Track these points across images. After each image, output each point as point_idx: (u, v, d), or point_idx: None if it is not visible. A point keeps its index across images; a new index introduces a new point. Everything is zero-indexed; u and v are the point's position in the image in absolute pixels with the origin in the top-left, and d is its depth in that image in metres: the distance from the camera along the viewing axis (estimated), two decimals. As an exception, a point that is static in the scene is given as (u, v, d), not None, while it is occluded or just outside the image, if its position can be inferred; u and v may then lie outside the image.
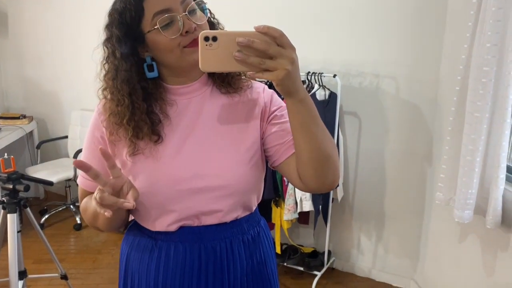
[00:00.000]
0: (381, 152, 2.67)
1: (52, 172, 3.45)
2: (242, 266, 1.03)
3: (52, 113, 4.04)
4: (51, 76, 3.93)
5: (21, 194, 1.87)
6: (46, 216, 3.59)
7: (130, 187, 0.88)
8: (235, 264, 1.02)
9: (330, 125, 2.51)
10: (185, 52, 0.91)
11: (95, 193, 0.83)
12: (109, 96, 0.95)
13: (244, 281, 1.04)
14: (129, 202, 0.83)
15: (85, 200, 1.03)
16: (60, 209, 3.75)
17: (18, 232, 1.83)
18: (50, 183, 2.08)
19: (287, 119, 0.91)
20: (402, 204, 2.68)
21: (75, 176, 3.35)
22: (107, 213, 0.81)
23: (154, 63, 0.94)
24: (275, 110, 1.01)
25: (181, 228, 0.99)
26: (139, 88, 0.93)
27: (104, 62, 0.95)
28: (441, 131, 2.37)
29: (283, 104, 1.02)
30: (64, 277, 2.07)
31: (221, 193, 0.97)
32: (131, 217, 1.08)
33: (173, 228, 0.99)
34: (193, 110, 0.99)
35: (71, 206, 3.72)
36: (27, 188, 1.80)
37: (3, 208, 1.85)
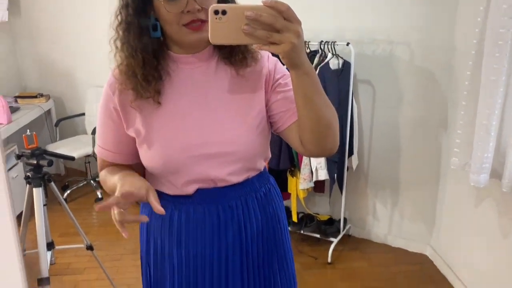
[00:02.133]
0: (395, 120, 2.66)
1: (71, 148, 3.53)
2: (257, 220, 1.10)
3: (68, 91, 4.09)
4: (66, 54, 3.96)
5: (45, 169, 1.94)
6: (68, 192, 3.70)
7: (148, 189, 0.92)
8: (251, 219, 1.09)
9: (344, 94, 2.51)
10: (183, 31, 0.93)
11: (115, 213, 0.90)
12: (120, 46, 0.98)
13: (260, 233, 1.10)
14: (146, 219, 0.94)
15: (104, 172, 1.08)
16: (81, 184, 3.86)
17: (44, 205, 1.91)
18: (71, 158, 2.14)
19: (291, 87, 0.94)
20: (417, 171, 2.69)
21: (94, 152, 3.42)
22: (125, 235, 0.91)
23: (158, 23, 0.96)
24: (279, 78, 1.04)
25: (198, 190, 1.04)
26: (149, 44, 0.96)
27: (118, 13, 0.97)
28: (456, 96, 2.35)
29: (286, 72, 1.05)
30: (89, 247, 2.15)
31: (231, 158, 1.02)
32: None
33: (190, 191, 1.04)
34: (198, 79, 1.02)
35: (92, 181, 3.82)
36: (50, 163, 1.86)
37: (29, 183, 1.92)
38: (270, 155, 1.14)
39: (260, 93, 1.04)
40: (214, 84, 1.02)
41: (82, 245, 2.17)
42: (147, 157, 1.02)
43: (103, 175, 1.08)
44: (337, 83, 2.49)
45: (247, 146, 1.02)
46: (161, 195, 1.08)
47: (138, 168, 1.09)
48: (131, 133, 1.02)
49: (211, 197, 1.05)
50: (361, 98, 2.73)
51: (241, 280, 1.09)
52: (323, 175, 2.55)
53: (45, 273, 1.85)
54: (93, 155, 3.55)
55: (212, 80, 1.02)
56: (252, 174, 1.09)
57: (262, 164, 1.12)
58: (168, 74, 1.00)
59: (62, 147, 3.58)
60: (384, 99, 2.67)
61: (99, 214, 3.50)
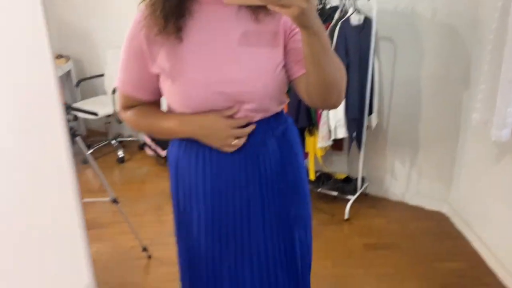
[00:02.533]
0: (416, 77, 2.63)
1: (92, 108, 3.59)
2: (276, 157, 1.17)
3: (87, 52, 4.12)
4: (85, 15, 3.97)
5: (70, 124, 1.99)
6: (90, 152, 3.79)
7: None
8: (269, 156, 1.15)
9: (364, 51, 2.48)
10: None
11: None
12: None
13: (278, 169, 1.17)
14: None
15: (133, 114, 1.16)
16: (102, 144, 3.94)
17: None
18: (95, 114, 2.19)
19: None
20: (436, 129, 2.68)
21: (115, 112, 3.47)
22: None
23: None
24: (295, 28, 1.08)
25: None
26: None
27: None
28: (480, 51, 2.31)
29: None
30: (114, 201, 2.23)
31: (248, 97, 1.07)
32: None
33: None
34: (220, 20, 1.05)
35: (113, 141, 3.89)
36: (75, 118, 1.90)
37: (56, 137, 1.97)
38: (286, 100, 1.19)
39: (278, 40, 1.08)
40: (235, 25, 1.06)
41: (107, 199, 2.25)
42: (170, 93, 1.08)
43: (131, 116, 1.17)
44: (358, 40, 2.46)
45: (263, 88, 1.07)
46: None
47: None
48: (155, 69, 1.07)
49: None
50: (382, 55, 2.69)
51: (262, 211, 1.17)
52: (341, 133, 2.56)
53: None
54: (114, 115, 3.61)
55: (233, 21, 1.06)
56: (268, 114, 1.14)
57: (278, 107, 1.17)
58: (190, 13, 1.04)
59: (83, 107, 3.64)
60: (405, 56, 2.64)
61: (121, 173, 3.59)
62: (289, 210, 1.21)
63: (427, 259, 2.35)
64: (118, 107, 1.20)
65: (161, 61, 1.06)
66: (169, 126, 1.12)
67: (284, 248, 1.22)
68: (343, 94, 1.04)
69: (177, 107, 1.10)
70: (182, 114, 1.10)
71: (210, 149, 1.13)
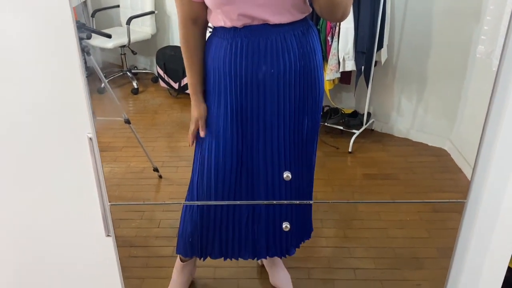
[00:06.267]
0: (428, 11, 2.61)
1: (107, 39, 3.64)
2: (295, 53, 1.37)
3: (102, -18, 4.10)
4: None
5: (84, 43, 2.06)
6: (106, 81, 3.87)
7: None
8: (289, 50, 1.35)
9: (377, -18, 2.45)
10: None
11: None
12: None
13: (297, 64, 1.40)
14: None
15: (190, 40, 1.44)
16: (117, 75, 4.02)
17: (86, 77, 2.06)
18: (108, 36, 2.26)
19: None
20: (445, 64, 2.68)
21: (129, 42, 3.52)
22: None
23: None
24: None
25: (244, 26, 1.33)
26: None
27: None
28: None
29: None
30: (127, 121, 2.34)
31: (271, 1, 1.28)
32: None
33: (238, 24, 1.33)
34: None
35: (128, 73, 3.97)
36: (89, 36, 1.97)
37: (70, 55, 2.05)
38: (308, 9, 1.37)
39: None
40: None
41: (120, 118, 2.36)
42: None
43: (188, 40, 1.44)
44: (371, -30, 2.43)
45: None
46: (216, 34, 1.43)
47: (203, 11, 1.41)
48: None
49: (255, 31, 1.33)
50: (395, -12, 2.66)
51: (277, 103, 1.41)
52: (350, 66, 2.59)
53: (89, 137, 2.06)
54: (128, 46, 3.65)
55: None
56: (291, 19, 1.33)
57: (301, 15, 1.35)
58: None
59: (99, 37, 3.69)
60: (419, -10, 2.60)
61: (135, 103, 3.70)
62: (304, 104, 1.45)
63: (423, 190, 2.45)
64: (181, 18, 1.43)
65: None
66: (189, 82, 1.45)
67: (294, 128, 1.50)
68: (349, 9, 1.22)
69: (213, 5, 1.30)
70: (198, 88, 1.46)
71: (236, 42, 1.35)
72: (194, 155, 1.61)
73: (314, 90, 1.48)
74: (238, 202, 1.54)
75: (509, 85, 1.26)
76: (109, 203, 1.37)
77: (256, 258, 1.88)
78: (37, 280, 1.56)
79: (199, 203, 1.57)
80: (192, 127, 1.54)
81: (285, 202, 1.61)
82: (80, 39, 2.06)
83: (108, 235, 1.42)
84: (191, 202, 1.60)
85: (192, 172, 1.64)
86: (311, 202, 1.74)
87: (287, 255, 1.83)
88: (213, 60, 1.43)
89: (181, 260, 2.01)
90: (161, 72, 3.83)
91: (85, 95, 1.21)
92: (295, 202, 1.69)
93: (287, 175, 1.55)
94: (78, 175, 1.36)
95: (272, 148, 1.51)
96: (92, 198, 1.38)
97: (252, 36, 1.33)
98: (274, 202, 1.62)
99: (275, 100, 1.40)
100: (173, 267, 2.08)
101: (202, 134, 1.51)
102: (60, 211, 1.43)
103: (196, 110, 1.51)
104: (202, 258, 1.82)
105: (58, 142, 1.32)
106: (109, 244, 1.45)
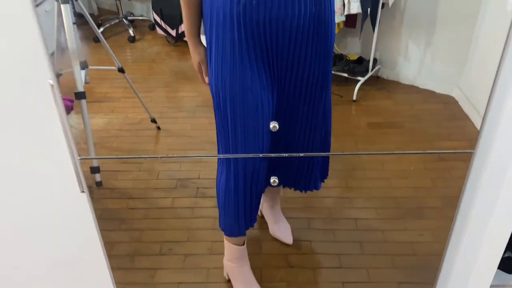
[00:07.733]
0: None
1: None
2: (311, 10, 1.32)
3: None
4: None
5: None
6: (101, 29, 3.74)
7: None
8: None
9: None
10: None
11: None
12: None
13: (312, 9, 1.33)
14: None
15: None
16: (113, 23, 3.87)
17: (73, 24, 1.95)
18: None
19: None
20: (457, 8, 2.53)
21: (123, -13, 3.35)
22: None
23: None
24: None
25: None
26: None
27: None
28: None
29: None
30: (121, 70, 2.25)
31: None
32: None
33: None
34: None
35: (124, 20, 3.82)
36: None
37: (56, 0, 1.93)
38: None
39: None
40: None
41: (114, 67, 2.27)
42: None
43: None
44: None
45: None
46: None
47: None
48: None
49: None
50: None
51: (288, 48, 1.36)
52: (355, 8, 2.45)
53: (80, 88, 1.99)
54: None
55: None
56: None
57: None
58: None
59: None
60: None
61: (132, 52, 3.58)
62: (320, 51, 1.42)
63: (428, 139, 2.38)
64: None
65: None
66: (186, 24, 1.40)
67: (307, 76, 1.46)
68: None
69: None
70: (195, 31, 1.41)
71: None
72: (215, 110, 1.50)
73: (327, 38, 1.41)
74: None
75: (527, 25, 1.14)
76: (78, 157, 1.26)
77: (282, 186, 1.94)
78: (13, 239, 1.50)
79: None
80: (198, 72, 1.49)
81: (294, 155, 1.69)
82: (66, -18, 1.94)
83: (83, 191, 1.32)
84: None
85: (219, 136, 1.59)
86: (309, 154, 1.71)
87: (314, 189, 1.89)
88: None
89: (237, 244, 1.86)
90: (158, 19, 3.68)
91: (40, 35, 1.07)
92: (300, 154, 1.69)
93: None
94: (46, 128, 1.23)
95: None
96: (65, 152, 1.26)
97: None
98: (272, 155, 1.59)
99: (286, 45, 1.34)
100: (172, 218, 2.07)
101: (206, 80, 1.44)
102: (33, 167, 1.33)
103: (196, 53, 1.43)
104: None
105: (22, 93, 1.18)
106: (84, 201, 1.36)
